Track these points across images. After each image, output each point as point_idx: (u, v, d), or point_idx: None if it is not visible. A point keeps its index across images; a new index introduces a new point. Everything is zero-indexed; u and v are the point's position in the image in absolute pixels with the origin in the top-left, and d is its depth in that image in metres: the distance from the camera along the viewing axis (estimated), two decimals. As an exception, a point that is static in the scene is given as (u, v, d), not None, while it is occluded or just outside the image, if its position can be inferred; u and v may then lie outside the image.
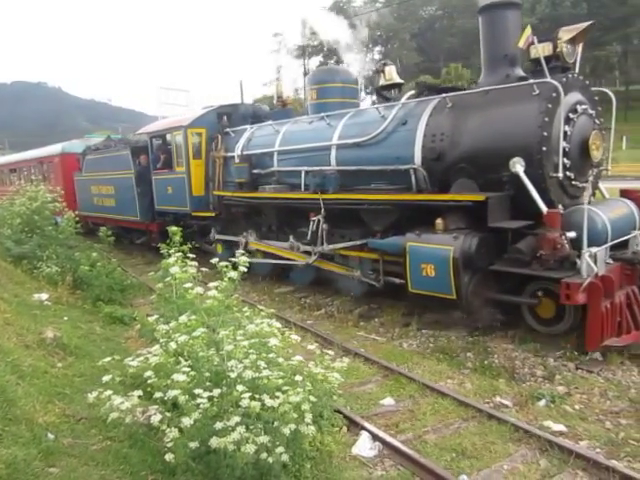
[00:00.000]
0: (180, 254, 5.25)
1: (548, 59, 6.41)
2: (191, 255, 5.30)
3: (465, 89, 7.77)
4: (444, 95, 7.33)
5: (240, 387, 3.16)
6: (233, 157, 10.80)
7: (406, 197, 7.34)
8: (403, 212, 7.44)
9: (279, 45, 57.83)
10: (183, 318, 3.74)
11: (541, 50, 6.38)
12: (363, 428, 4.65)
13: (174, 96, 33.57)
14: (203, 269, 4.65)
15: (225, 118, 11.65)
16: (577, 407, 4.97)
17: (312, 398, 3.30)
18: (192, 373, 3.38)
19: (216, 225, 11.70)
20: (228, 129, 11.40)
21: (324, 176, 8.34)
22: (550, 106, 6.22)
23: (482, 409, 4.89)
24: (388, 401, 5.26)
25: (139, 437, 3.59)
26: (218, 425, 3.11)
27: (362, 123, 8.38)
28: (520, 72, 7.02)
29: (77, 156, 17.56)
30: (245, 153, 10.42)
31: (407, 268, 6.77)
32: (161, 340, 3.75)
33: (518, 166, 6.17)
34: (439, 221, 6.62)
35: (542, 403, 5.04)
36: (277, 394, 3.25)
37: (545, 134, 6.19)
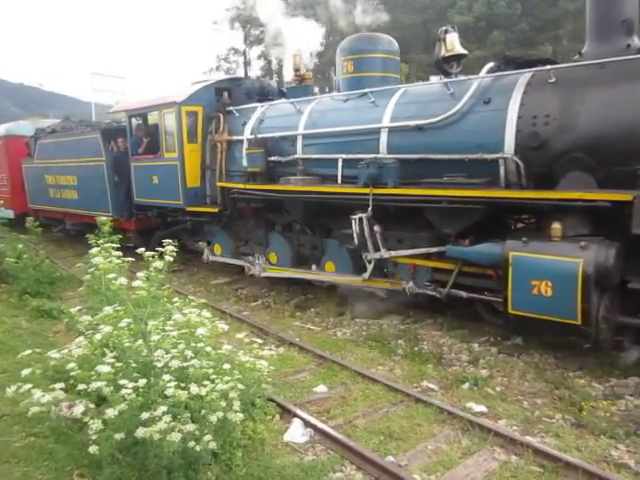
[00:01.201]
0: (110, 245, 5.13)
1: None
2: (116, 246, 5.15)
3: (557, 62, 6.29)
4: (546, 67, 5.90)
5: (167, 377, 3.16)
6: (240, 141, 8.99)
7: (514, 195, 5.77)
8: (487, 213, 6.13)
9: (219, 33, 56.74)
10: (108, 309, 3.68)
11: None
12: (295, 415, 4.74)
13: (109, 83, 32.41)
14: (130, 259, 4.57)
15: (226, 94, 9.77)
16: (498, 389, 5.26)
17: (240, 386, 3.34)
18: (118, 364, 3.34)
19: (213, 224, 9.94)
20: (231, 107, 9.51)
21: (381, 166, 6.68)
22: None
23: (410, 393, 5.08)
24: (321, 388, 5.37)
25: (63, 431, 3.51)
26: (144, 415, 3.09)
27: (423, 102, 6.90)
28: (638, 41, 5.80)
29: (26, 140, 15.10)
30: (260, 136, 8.58)
31: (509, 284, 5.43)
32: (86, 332, 3.68)
33: None
34: (557, 226, 5.29)
35: (466, 386, 5.30)
36: (205, 383, 3.27)
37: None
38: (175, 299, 4.56)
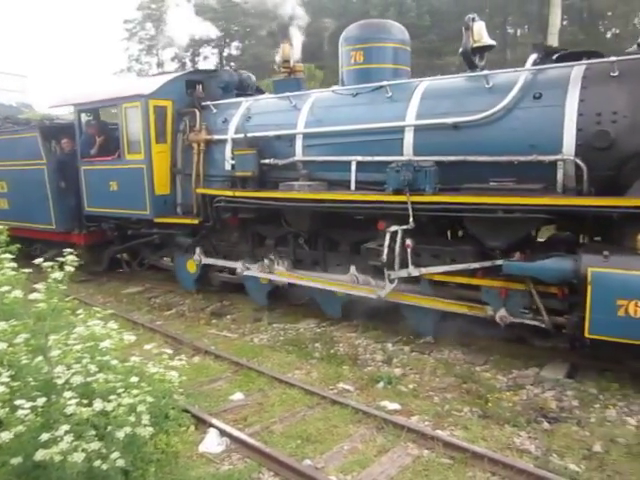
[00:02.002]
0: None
1: None
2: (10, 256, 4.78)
3: (603, 55, 5.72)
4: (609, 59, 5.36)
5: (68, 394, 2.99)
6: (222, 141, 7.95)
7: (601, 202, 5.01)
8: (543, 223, 5.72)
9: (130, 33, 54.73)
10: (2, 325, 3.42)
11: None
12: (211, 425, 4.64)
13: (9, 82, 30.27)
14: (27, 270, 4.27)
15: (200, 88, 8.77)
16: (411, 386, 5.43)
17: (149, 399, 3.22)
18: (14, 384, 3.11)
19: (187, 238, 8.73)
20: (209, 102, 8.45)
21: (417, 170, 5.81)
22: None
23: (326, 396, 5.14)
24: (238, 396, 5.29)
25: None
26: (44, 436, 2.90)
27: (456, 97, 6.17)
28: None
29: None
30: (250, 136, 7.50)
31: (587, 304, 4.84)
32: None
33: None
34: None
35: (380, 385, 5.43)
36: (111, 398, 3.12)
37: None
38: (80, 311, 4.33)
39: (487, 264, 5.75)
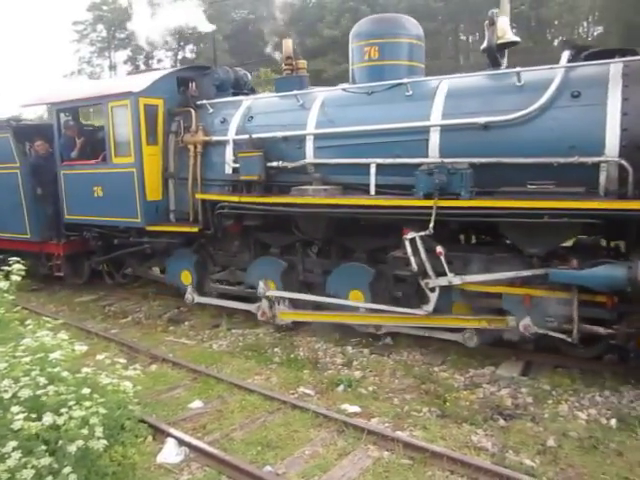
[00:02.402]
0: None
1: None
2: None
3: (637, 53, 5.52)
4: None
5: (16, 408, 2.86)
6: (222, 143, 7.40)
7: None
8: (584, 229, 5.44)
9: (80, 35, 53.30)
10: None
11: None
12: (169, 435, 4.54)
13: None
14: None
15: (194, 85, 8.19)
16: (370, 388, 5.46)
17: (102, 410, 3.12)
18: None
19: (182, 248, 8.12)
20: (205, 101, 7.86)
21: (451, 172, 5.45)
22: None
23: (286, 401, 5.11)
24: (196, 404, 5.20)
25: None
26: (-10, 454, 2.78)
27: (485, 95, 5.86)
28: None
29: None
30: (256, 137, 6.96)
31: None
32: None
33: None
34: None
35: (341, 388, 5.44)
36: (62, 411, 3.01)
37: None
38: (29, 321, 4.17)
39: (539, 272, 5.38)
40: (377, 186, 6.23)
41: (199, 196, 7.49)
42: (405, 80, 6.23)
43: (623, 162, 4.98)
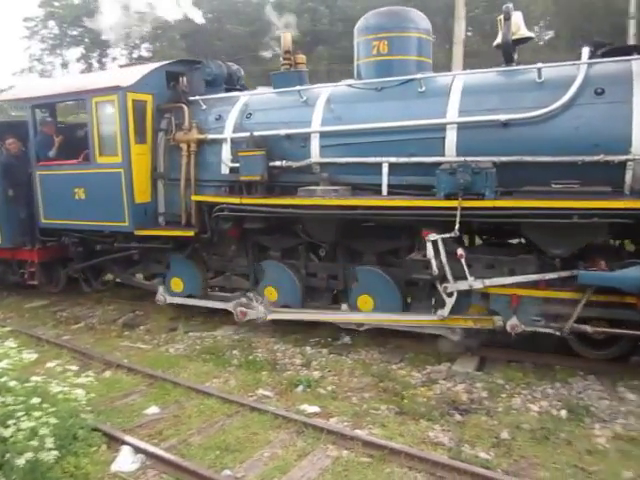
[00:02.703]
0: None
1: None
2: None
3: None
4: None
5: (-42, 421, 2.75)
6: (218, 141, 7.05)
7: None
8: (610, 230, 5.27)
9: (31, 32, 51.50)
10: None
11: None
12: (124, 442, 4.43)
13: None
14: None
15: (184, 80, 7.75)
16: (329, 388, 5.48)
17: (53, 420, 3.02)
18: None
19: (174, 253, 7.63)
20: (198, 97, 7.41)
21: (476, 172, 5.27)
22: None
23: (245, 403, 5.06)
24: (153, 410, 5.10)
25: None
26: None
27: (504, 92, 5.71)
28: None
29: None
30: (257, 134, 6.62)
31: None
32: None
33: None
34: None
35: (300, 389, 5.44)
36: (9, 422, 2.90)
37: None
38: (-28, 330, 4.01)
39: (565, 274, 5.32)
40: (390, 186, 6.04)
41: (195, 198, 7.07)
42: (418, 76, 6.05)
43: None
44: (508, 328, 5.53)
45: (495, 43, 6.25)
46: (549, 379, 5.44)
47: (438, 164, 5.64)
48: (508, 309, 5.57)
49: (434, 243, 5.53)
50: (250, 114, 6.97)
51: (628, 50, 5.52)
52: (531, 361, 5.83)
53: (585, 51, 5.57)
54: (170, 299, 7.65)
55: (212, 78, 7.77)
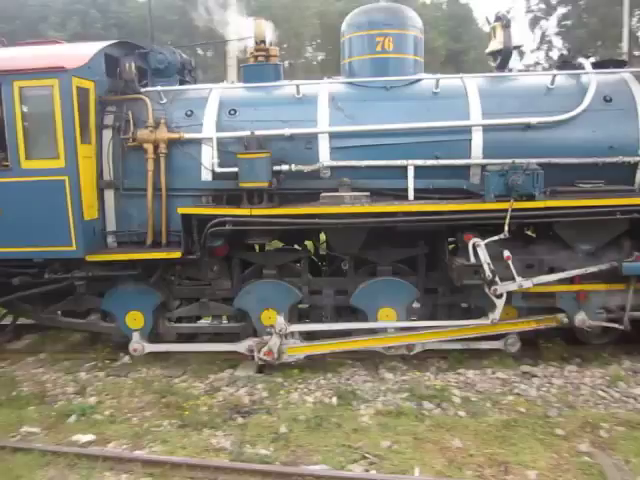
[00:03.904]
0: None
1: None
2: None
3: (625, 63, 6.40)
4: None
5: None
6: (196, 142, 6.00)
7: None
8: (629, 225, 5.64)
9: None
10: None
11: None
12: None
13: None
14: None
15: (132, 67, 6.18)
16: (107, 413, 5.19)
17: None
18: None
19: (135, 281, 6.21)
20: (160, 88, 6.23)
21: (527, 173, 5.33)
22: None
23: (5, 445, 4.53)
24: None
25: None
26: None
27: (517, 96, 5.93)
28: None
29: None
30: (259, 134, 5.77)
31: None
32: None
33: None
34: None
35: (72, 419, 5.06)
36: None
37: None
38: None
39: (604, 267, 5.64)
40: (416, 190, 5.81)
41: (185, 211, 5.81)
42: (430, 76, 6.11)
43: None
44: (577, 323, 5.74)
45: (489, 50, 6.59)
46: (322, 371, 5.87)
47: (466, 166, 5.81)
48: (575, 305, 5.77)
49: (474, 246, 5.50)
50: (234, 110, 6.08)
51: (611, 63, 6.36)
52: (306, 357, 6.09)
53: (587, 62, 6.17)
54: (151, 347, 6.20)
55: (165, 66, 6.54)
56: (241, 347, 6.02)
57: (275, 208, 5.72)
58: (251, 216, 5.67)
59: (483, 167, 5.75)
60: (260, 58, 6.53)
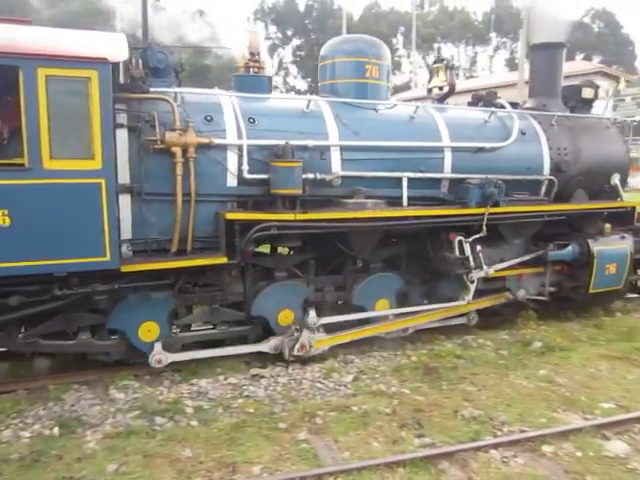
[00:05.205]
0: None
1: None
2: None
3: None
4: (557, 114, 8.21)
5: None
6: (222, 148, 5.98)
7: (593, 206, 8.04)
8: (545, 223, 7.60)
9: None
10: None
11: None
12: None
13: None
14: None
15: (140, 64, 5.73)
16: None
17: None
18: None
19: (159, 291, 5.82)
20: (177, 90, 6.08)
21: (497, 185, 6.86)
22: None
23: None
24: None
25: None
26: None
27: (469, 126, 7.49)
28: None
29: None
30: (293, 143, 6.08)
31: (593, 271, 7.67)
32: None
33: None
34: (608, 225, 7.88)
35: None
36: None
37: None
38: None
39: (535, 255, 7.64)
40: (408, 198, 6.82)
41: (234, 216, 5.85)
42: (408, 103, 7.76)
43: (551, 179, 7.84)
44: (520, 298, 7.68)
45: (431, 85, 8.18)
46: (42, 400, 5.35)
47: (439, 179, 7.12)
48: (516, 285, 7.69)
49: (460, 243, 6.91)
50: (253, 119, 6.25)
51: (514, 105, 8.33)
52: (23, 388, 5.64)
53: (506, 102, 8.09)
54: (174, 357, 6.03)
55: (163, 66, 6.17)
56: (267, 347, 6.30)
57: (314, 213, 6.17)
58: (296, 221, 6.03)
59: (450, 180, 7.19)
60: (254, 69, 6.85)
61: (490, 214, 6.90)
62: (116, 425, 4.86)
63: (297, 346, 6.15)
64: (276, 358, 6.39)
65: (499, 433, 4.77)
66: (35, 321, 5.52)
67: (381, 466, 4.18)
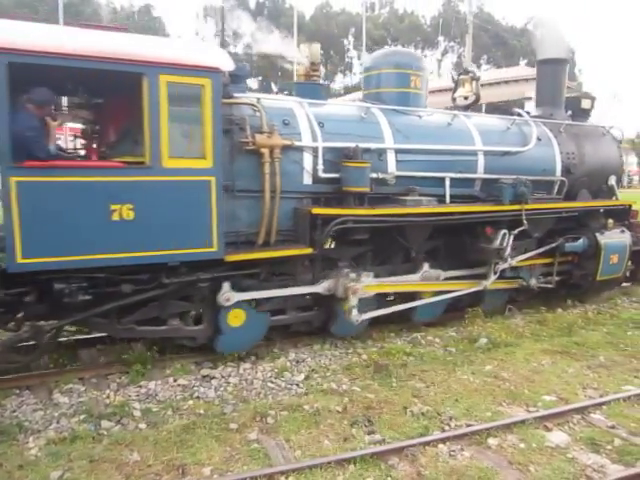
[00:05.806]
0: None
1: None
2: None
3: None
4: (565, 122, 9.29)
5: None
6: (299, 149, 6.63)
7: (608, 203, 9.50)
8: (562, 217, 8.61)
9: None
10: None
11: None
12: None
13: None
14: None
15: (226, 72, 6.11)
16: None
17: None
18: None
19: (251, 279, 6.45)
20: (259, 95, 6.74)
21: (526, 185, 7.75)
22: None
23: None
24: None
25: None
26: None
27: (495, 132, 8.35)
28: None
29: None
30: (362, 146, 6.77)
31: (600, 261, 8.67)
32: None
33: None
34: (612, 220, 9.06)
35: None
36: None
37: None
38: None
39: (553, 245, 8.62)
40: (450, 196, 7.59)
41: (319, 211, 6.51)
42: (459, 112, 8.27)
43: (562, 180, 8.86)
44: (531, 285, 8.57)
45: (457, 94, 9.10)
46: None
47: (474, 179, 7.98)
48: (528, 274, 8.58)
49: (503, 236, 7.66)
50: (322, 123, 6.84)
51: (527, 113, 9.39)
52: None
53: (524, 113, 9.22)
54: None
55: (244, 73, 6.73)
56: (320, 288, 6.85)
57: (383, 209, 6.90)
58: (369, 215, 6.76)
59: (483, 180, 8.02)
60: (315, 78, 7.53)
61: (525, 210, 7.83)
62: (60, 430, 4.77)
63: (351, 286, 6.65)
64: (228, 359, 6.43)
65: (447, 428, 4.91)
66: (128, 309, 5.93)
67: (332, 464, 4.24)
